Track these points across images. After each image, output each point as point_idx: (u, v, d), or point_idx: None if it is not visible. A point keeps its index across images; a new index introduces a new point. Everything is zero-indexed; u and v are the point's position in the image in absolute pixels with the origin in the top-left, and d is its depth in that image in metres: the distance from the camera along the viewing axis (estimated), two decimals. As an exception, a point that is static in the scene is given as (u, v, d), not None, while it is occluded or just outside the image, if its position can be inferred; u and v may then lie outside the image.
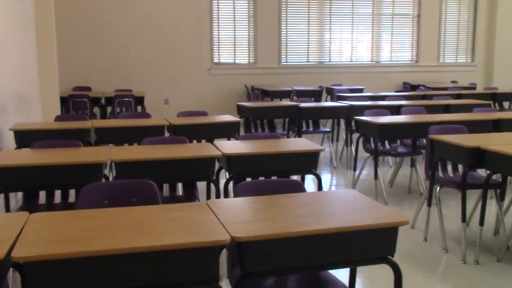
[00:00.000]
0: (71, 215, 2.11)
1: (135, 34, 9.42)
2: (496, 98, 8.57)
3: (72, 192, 3.67)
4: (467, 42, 11.77)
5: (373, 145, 5.16)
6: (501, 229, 4.06)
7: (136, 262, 1.76)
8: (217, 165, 3.59)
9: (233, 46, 10.36)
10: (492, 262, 3.56)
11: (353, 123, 6.03)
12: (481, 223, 3.61)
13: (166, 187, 4.07)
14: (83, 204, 2.40)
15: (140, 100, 7.98)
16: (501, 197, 3.93)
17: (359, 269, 2.43)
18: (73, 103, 7.48)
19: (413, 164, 5.36)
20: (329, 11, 10.79)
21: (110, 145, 4.63)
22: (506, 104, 9.15)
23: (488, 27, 11.68)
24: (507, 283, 3.23)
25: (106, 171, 3.58)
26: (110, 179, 3.97)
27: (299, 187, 2.56)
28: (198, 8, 9.79)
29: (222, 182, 3.58)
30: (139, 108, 7.96)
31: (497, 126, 5.05)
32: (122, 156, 3.32)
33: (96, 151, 3.56)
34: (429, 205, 4.00)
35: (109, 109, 7.94)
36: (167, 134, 4.94)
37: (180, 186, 4.02)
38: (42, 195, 3.62)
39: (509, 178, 4.78)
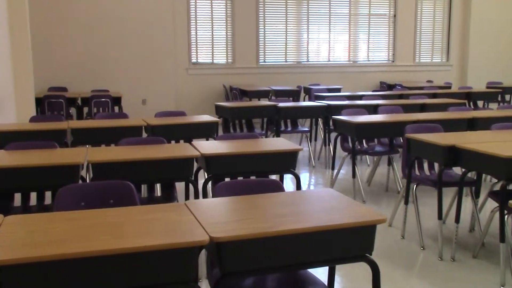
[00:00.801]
0: (47, 218, 2.08)
1: (111, 34, 9.33)
2: (470, 97, 8.71)
3: (48, 194, 3.62)
4: (442, 42, 11.94)
5: (351, 144, 5.19)
6: (476, 226, 4.13)
7: (114, 264, 1.74)
8: (195, 165, 3.57)
9: (211, 46, 10.33)
10: (468, 258, 3.62)
11: (331, 123, 6.07)
12: (457, 220, 3.67)
13: (144, 188, 4.03)
14: (60, 206, 2.37)
15: (117, 101, 7.90)
16: (476, 195, 4.00)
17: (338, 267, 2.44)
18: (49, 103, 7.37)
19: (390, 163, 5.42)
20: (306, 11, 10.83)
21: (87, 146, 4.58)
22: (480, 103, 9.32)
23: (462, 27, 11.87)
24: (482, 279, 3.29)
25: (83, 173, 3.54)
26: (87, 180, 3.93)
27: (278, 187, 2.56)
28: (175, 8, 9.74)
29: (200, 182, 3.57)
30: (116, 109, 7.89)
31: (472, 124, 5.14)
32: (99, 157, 3.28)
33: (72, 152, 3.51)
34: (406, 203, 4.05)
35: (85, 109, 7.85)
36: (144, 135, 4.91)
37: (158, 186, 4.00)
38: (17, 197, 3.56)
39: (483, 175, 4.87)
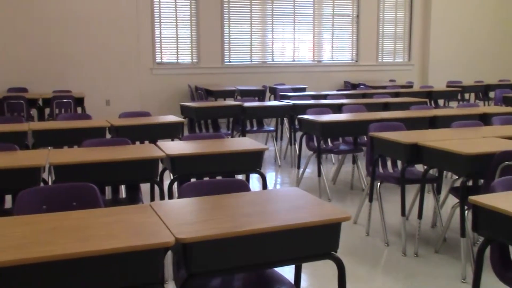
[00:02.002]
0: (7, 222, 2.02)
1: (73, 33, 9.14)
2: (431, 96, 8.91)
3: (8, 198, 3.52)
4: (404, 42, 12.18)
5: (316, 143, 5.24)
6: (438, 222, 4.23)
7: (78, 268, 1.71)
8: (161, 166, 3.54)
9: (175, 45, 10.26)
10: (430, 253, 3.71)
11: (296, 122, 6.11)
12: (420, 216, 3.75)
13: (108, 190, 3.98)
14: (20, 210, 2.31)
15: (79, 101, 7.76)
16: (437, 191, 4.09)
17: (304, 265, 2.46)
18: (8, 105, 7.18)
19: (354, 161, 5.49)
20: (271, 11, 10.88)
21: (49, 148, 4.48)
22: (441, 102, 9.54)
23: (423, 28, 12.14)
24: (444, 273, 3.37)
25: (45, 175, 3.46)
26: (49, 183, 3.84)
27: (244, 187, 2.57)
28: (139, 7, 9.63)
29: (166, 183, 3.54)
30: (79, 110, 7.74)
31: (433, 123, 5.25)
32: (61, 159, 3.21)
33: (33, 155, 3.43)
34: (370, 200, 4.11)
35: (47, 111, 7.67)
36: (108, 136, 4.83)
37: (123, 188, 3.94)
38: (-24, 201, 3.45)
39: (445, 172, 4.99)
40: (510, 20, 12.78)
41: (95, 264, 1.73)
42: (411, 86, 10.20)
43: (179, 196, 2.46)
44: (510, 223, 2.09)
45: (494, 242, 2.30)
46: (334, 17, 11.46)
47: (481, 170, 3.29)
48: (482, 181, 3.47)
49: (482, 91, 10.53)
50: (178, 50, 10.29)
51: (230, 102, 7.24)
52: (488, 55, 12.68)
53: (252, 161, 3.61)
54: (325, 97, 7.54)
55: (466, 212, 3.29)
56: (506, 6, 12.72)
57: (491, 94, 10.24)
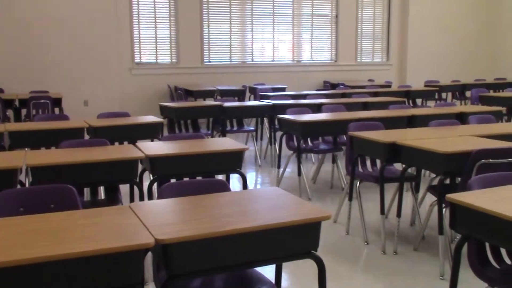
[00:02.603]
0: (-18, 225, 1.98)
1: (51, 33, 9.02)
2: (410, 95, 9.01)
3: (-16, 200, 3.45)
4: (382, 42, 12.30)
5: (296, 143, 5.26)
6: (416, 220, 4.28)
7: (56, 271, 1.69)
8: (140, 167, 3.51)
9: (154, 45, 10.19)
10: (409, 251, 3.75)
11: (276, 122, 6.12)
12: (399, 214, 3.79)
13: (87, 191, 3.93)
14: (-4, 212, 2.27)
15: (57, 102, 7.66)
16: (416, 189, 4.14)
17: (285, 264, 2.47)
18: (-16, 106, 7.04)
19: (334, 161, 5.52)
20: (250, 11, 10.88)
21: (26, 149, 4.41)
22: (419, 101, 9.65)
23: (401, 28, 12.27)
24: (423, 271, 3.41)
25: (22, 177, 3.40)
26: (26, 185, 3.78)
27: (224, 187, 2.56)
28: (117, 7, 9.54)
29: (146, 184, 3.52)
30: (56, 110, 7.64)
31: (411, 122, 5.31)
32: (39, 161, 3.17)
33: (9, 156, 3.37)
34: (350, 199, 4.14)
35: (24, 111, 7.55)
36: (87, 137, 4.78)
37: (102, 189, 3.90)
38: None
39: (423, 171, 5.05)
40: (485, 21, 13.00)
41: (73, 267, 1.71)
42: (389, 86, 10.30)
43: (159, 197, 2.44)
44: (487, 220, 2.13)
45: (471, 239, 2.34)
46: (313, 17, 11.52)
47: (458, 168, 3.33)
48: (459, 179, 3.52)
49: (459, 90, 10.69)
50: (157, 50, 10.23)
51: (210, 102, 7.22)
52: (465, 55, 12.88)
53: (232, 161, 3.61)
54: (304, 96, 7.57)
55: (444, 210, 3.33)
56: (481, 7, 12.93)
57: (468, 94, 10.40)
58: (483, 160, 3.21)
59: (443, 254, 3.36)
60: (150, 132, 5.00)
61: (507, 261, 2.48)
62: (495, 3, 12.95)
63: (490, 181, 2.51)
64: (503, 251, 2.49)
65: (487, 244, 2.42)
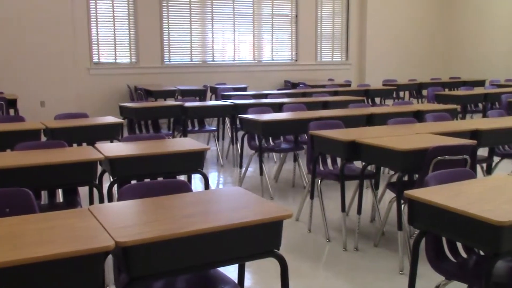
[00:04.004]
0: None
1: (4, 32, 8.74)
2: (368, 94, 9.17)
3: None
4: (341, 42, 12.47)
5: (257, 142, 5.27)
6: (376, 216, 4.36)
7: (12, 277, 1.64)
8: (100, 168, 3.45)
9: (113, 45, 10.03)
10: (369, 247, 3.81)
11: (238, 121, 6.12)
12: (359, 211, 3.85)
13: (44, 194, 3.83)
14: None
15: (12, 103, 7.44)
16: (375, 186, 4.21)
17: (247, 263, 2.47)
18: None
19: (296, 159, 5.57)
20: (210, 10, 10.84)
21: (-21, 152, 4.26)
22: (377, 100, 9.84)
23: (360, 28, 12.48)
24: (383, 266, 3.48)
25: (-25, 181, 3.29)
26: (-20, 189, 3.65)
27: (186, 187, 2.54)
28: (74, 5, 9.34)
29: (105, 186, 3.46)
30: (11, 112, 7.42)
31: (370, 120, 5.40)
32: (-7, 164, 3.07)
33: (-39, 160, 3.25)
34: (311, 197, 4.18)
35: (-24, 113, 7.31)
36: (43, 139, 4.66)
37: (60, 192, 3.81)
38: None
39: (382, 168, 5.15)
40: (440, 22, 13.37)
41: (30, 272, 1.66)
42: (349, 85, 10.45)
43: (119, 199, 2.40)
44: (443, 215, 2.19)
45: (429, 234, 2.40)
46: (274, 17, 11.57)
47: (415, 165, 3.42)
48: (417, 175, 3.61)
49: (416, 89, 10.94)
50: (116, 50, 10.07)
51: (170, 102, 7.16)
52: (421, 55, 13.21)
53: (193, 161, 3.58)
54: (265, 96, 7.59)
55: (403, 206, 3.40)
56: (435, 9, 13.29)
57: (424, 92, 10.67)
58: (439, 157, 3.30)
59: (402, 250, 3.44)
60: (110, 133, 4.91)
61: (463, 254, 2.56)
62: (449, 6, 13.33)
63: (446, 177, 2.58)
64: (459, 245, 2.57)
65: (444, 239, 2.49)
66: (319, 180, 4.15)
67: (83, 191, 3.67)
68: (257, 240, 2.06)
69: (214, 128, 7.15)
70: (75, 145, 4.55)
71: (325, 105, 6.70)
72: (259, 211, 2.12)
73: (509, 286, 2.24)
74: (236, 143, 6.72)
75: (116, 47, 10.06)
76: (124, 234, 1.84)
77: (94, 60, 9.85)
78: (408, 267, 2.63)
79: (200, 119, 7.03)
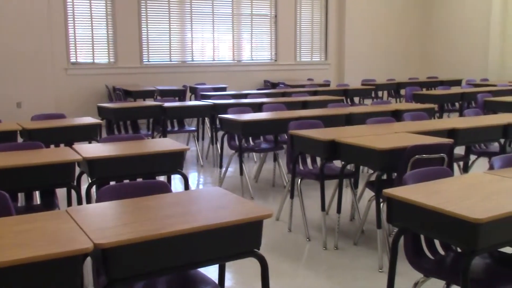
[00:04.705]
0: None
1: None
2: (347, 94, 9.23)
3: None
4: (320, 42, 12.53)
5: (237, 142, 5.27)
6: (356, 215, 4.39)
7: (-13, 280, 1.61)
8: (78, 170, 3.41)
9: (91, 45, 9.92)
10: (349, 246, 3.84)
11: (217, 121, 6.11)
12: (339, 210, 3.87)
13: (21, 196, 3.78)
14: None
15: (-13, 104, 7.31)
16: (355, 185, 4.25)
17: (228, 264, 2.47)
18: None
19: (276, 159, 5.58)
20: (189, 10, 10.80)
21: (-47, 154, 4.18)
22: (356, 99, 9.91)
23: (338, 28, 12.56)
24: (363, 264, 3.51)
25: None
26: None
27: (165, 188, 2.53)
28: (50, 4, 9.21)
29: (84, 187, 3.42)
30: (-14, 113, 7.29)
31: (349, 120, 5.44)
32: (-33, 166, 3.01)
33: None
34: (291, 197, 4.19)
35: (-50, 114, 7.16)
36: (20, 140, 4.59)
37: (37, 194, 3.76)
38: None
39: (361, 167, 5.19)
40: (417, 22, 13.53)
41: (7, 276, 1.63)
42: (328, 85, 10.51)
43: (98, 200, 2.38)
44: (421, 213, 2.21)
45: (407, 232, 2.43)
46: (253, 17, 11.58)
47: (394, 164, 3.45)
48: (395, 174, 3.65)
49: (394, 89, 11.05)
50: (94, 50, 9.97)
51: (149, 102, 7.11)
52: (399, 55, 13.35)
53: (173, 162, 3.57)
54: (245, 96, 7.59)
55: (382, 204, 3.44)
56: (413, 10, 13.45)
57: (402, 92, 10.78)
58: (417, 156, 3.34)
59: (382, 248, 3.47)
60: (88, 133, 4.86)
61: (441, 251, 2.59)
62: (426, 6, 13.51)
63: (423, 175, 2.61)
64: (436, 242, 2.60)
65: (422, 236, 2.52)
66: (299, 180, 4.16)
67: (61, 192, 3.63)
68: (237, 240, 2.06)
69: (193, 128, 7.13)
70: (52, 146, 4.49)
71: (305, 105, 6.72)
72: (239, 211, 2.12)
73: (486, 282, 2.28)
74: (216, 143, 6.70)
75: (94, 47, 9.96)
76: (103, 236, 1.82)
77: (71, 60, 9.73)
78: (387, 264, 2.66)
79: (179, 119, 6.99)
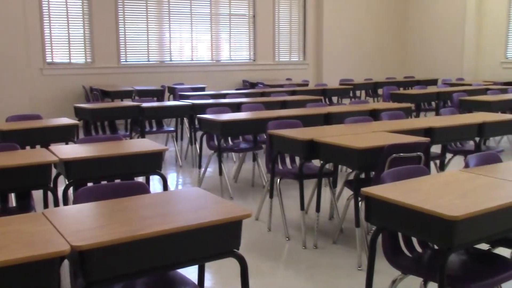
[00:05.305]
0: None
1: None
2: (326, 93, 9.29)
3: None
4: (299, 42, 12.58)
5: (216, 142, 5.26)
6: (335, 214, 4.41)
7: (-39, 285, 1.58)
8: (54, 171, 3.37)
9: (67, 45, 9.79)
10: (329, 244, 3.86)
11: (196, 122, 6.08)
12: (318, 209, 3.89)
13: (-4, 199, 3.71)
14: None
15: (-40, 105, 7.16)
16: (333, 184, 4.27)
17: (208, 264, 2.46)
18: None
19: (255, 159, 5.58)
20: (167, 10, 10.73)
21: None
22: (335, 99, 9.98)
23: (316, 28, 12.62)
24: (342, 263, 3.53)
25: None
26: None
27: (143, 189, 2.51)
28: (25, 4, 9.06)
29: (61, 189, 3.38)
30: (-40, 114, 7.14)
31: (328, 119, 5.47)
32: None
33: None
34: (271, 196, 4.20)
35: None
36: (-6, 141, 4.51)
37: (13, 196, 3.70)
38: None
39: (340, 166, 5.22)
40: (394, 22, 13.67)
41: (-19, 279, 1.60)
42: (306, 85, 10.56)
43: (75, 202, 2.35)
44: (398, 211, 2.24)
45: (385, 230, 2.45)
46: (231, 17, 11.56)
47: (372, 162, 3.48)
48: (373, 173, 3.68)
49: (372, 88, 11.15)
50: (71, 50, 9.84)
51: (127, 102, 7.05)
52: (377, 55, 13.48)
53: (152, 163, 3.54)
54: (224, 96, 7.58)
55: (360, 203, 3.46)
56: (390, 10, 13.59)
57: (380, 91, 10.88)
58: (394, 155, 3.38)
59: (360, 246, 3.50)
60: (64, 134, 4.80)
61: (418, 249, 2.62)
62: (403, 7, 13.66)
63: (401, 174, 2.64)
64: (414, 240, 2.63)
65: (399, 234, 2.55)
66: (278, 179, 4.17)
67: (37, 195, 3.58)
68: (216, 240, 2.06)
69: (172, 129, 7.09)
70: (28, 147, 4.42)
71: (284, 105, 6.74)
72: (218, 211, 2.11)
73: (462, 278, 2.31)
74: (195, 144, 6.68)
75: (71, 47, 9.83)
76: (80, 238, 1.80)
77: (47, 60, 9.59)
78: (366, 263, 2.68)
79: (158, 120, 6.95)
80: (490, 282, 2.26)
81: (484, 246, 2.59)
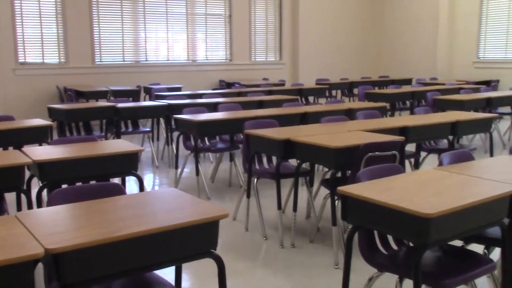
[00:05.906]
0: None
1: None
2: (302, 93, 9.33)
3: None
4: (275, 42, 12.61)
5: (193, 143, 5.24)
6: (312, 213, 4.44)
7: None
8: (28, 173, 3.31)
9: (40, 44, 9.64)
10: (306, 243, 3.88)
11: (172, 122, 6.05)
12: (295, 209, 3.91)
13: (-33, 202, 3.63)
14: None
15: None
16: (310, 183, 4.29)
17: (185, 265, 2.45)
18: None
19: (232, 159, 5.58)
20: (143, 9, 10.65)
21: None
22: (311, 99, 10.03)
23: (292, 28, 12.67)
24: (319, 261, 3.55)
25: None
26: None
27: (119, 190, 2.48)
28: (-3, 3, 8.89)
29: (35, 191, 3.32)
30: None
31: (304, 118, 5.50)
32: None
33: None
34: (248, 196, 4.20)
35: None
36: (-35, 143, 4.41)
37: (-16, 199, 3.62)
38: None
39: (316, 165, 5.25)
40: (370, 22, 13.81)
41: (-49, 284, 1.57)
42: (283, 84, 10.59)
43: (49, 204, 2.31)
44: (374, 209, 2.26)
45: (361, 229, 2.47)
46: (207, 16, 11.53)
47: (348, 161, 3.51)
48: (349, 172, 3.71)
49: (347, 88, 11.25)
50: (44, 49, 9.69)
51: (102, 103, 6.97)
52: (352, 55, 13.60)
53: (127, 163, 3.51)
54: (200, 96, 7.55)
55: (336, 202, 3.49)
56: (364, 11, 13.72)
57: (355, 91, 10.98)
58: (370, 153, 3.41)
59: (337, 244, 3.52)
60: (38, 136, 4.72)
61: (394, 247, 2.66)
62: (378, 7, 13.81)
63: (376, 172, 2.67)
64: (390, 238, 2.66)
65: (375, 232, 2.58)
66: (255, 179, 4.17)
67: (10, 197, 3.51)
68: (193, 241, 2.05)
69: (148, 129, 7.04)
70: (0, 149, 4.34)
71: (260, 105, 6.75)
72: (195, 212, 2.11)
73: (437, 274, 2.35)
74: (171, 144, 6.64)
75: (44, 47, 9.68)
76: (54, 240, 1.77)
77: (20, 60, 9.42)
78: (343, 261, 2.70)
79: (133, 120, 6.89)
80: (463, 278, 2.30)
81: (458, 243, 2.63)
